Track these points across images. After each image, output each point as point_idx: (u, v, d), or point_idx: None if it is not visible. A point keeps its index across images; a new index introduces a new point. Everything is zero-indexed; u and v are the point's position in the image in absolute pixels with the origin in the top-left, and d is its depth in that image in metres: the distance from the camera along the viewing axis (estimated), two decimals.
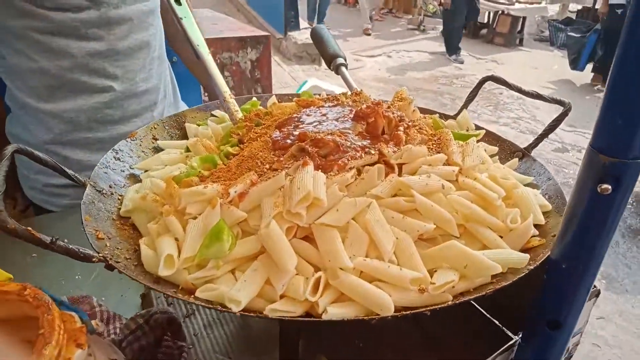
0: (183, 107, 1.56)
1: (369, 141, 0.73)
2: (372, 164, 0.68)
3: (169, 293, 0.53)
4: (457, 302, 0.52)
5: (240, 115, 0.93)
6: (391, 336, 0.78)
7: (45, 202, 1.34)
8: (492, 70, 6.89)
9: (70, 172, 0.72)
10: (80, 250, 0.56)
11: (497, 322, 0.70)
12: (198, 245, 0.60)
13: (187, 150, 0.87)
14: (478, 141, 0.84)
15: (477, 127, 0.96)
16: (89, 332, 0.54)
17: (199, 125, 0.98)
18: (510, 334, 0.73)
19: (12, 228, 0.52)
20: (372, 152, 0.68)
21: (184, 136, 0.98)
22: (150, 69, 1.29)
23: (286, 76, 6.26)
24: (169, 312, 0.82)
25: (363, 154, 0.68)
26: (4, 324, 0.61)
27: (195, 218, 0.65)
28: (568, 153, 4.65)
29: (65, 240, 0.56)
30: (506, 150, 0.92)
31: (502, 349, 0.65)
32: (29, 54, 1.14)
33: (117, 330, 0.90)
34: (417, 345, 0.77)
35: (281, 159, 0.71)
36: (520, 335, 0.66)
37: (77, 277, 1.07)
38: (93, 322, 0.55)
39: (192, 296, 0.55)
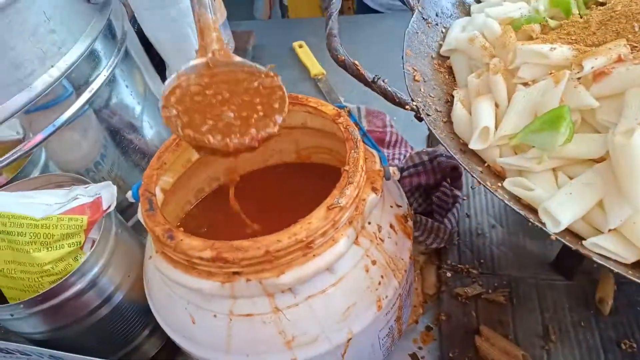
0: None
1: None
2: None
3: (474, 175, 0.47)
4: None
5: None
6: None
7: (372, 1, 1.36)
8: None
9: None
10: (397, 94, 0.53)
11: None
12: (522, 124, 0.49)
13: None
14: None
15: None
16: (385, 178, 0.54)
17: None
18: None
19: (341, 60, 0.51)
20: None
21: None
22: None
23: None
24: (454, 158, 0.79)
25: None
26: (316, 132, 0.67)
27: (526, 84, 0.54)
28: None
29: (386, 80, 0.53)
30: None
31: None
32: None
33: (402, 157, 0.93)
34: None
35: None
36: None
37: None
38: (391, 168, 0.54)
39: (499, 186, 0.48)
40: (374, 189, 0.53)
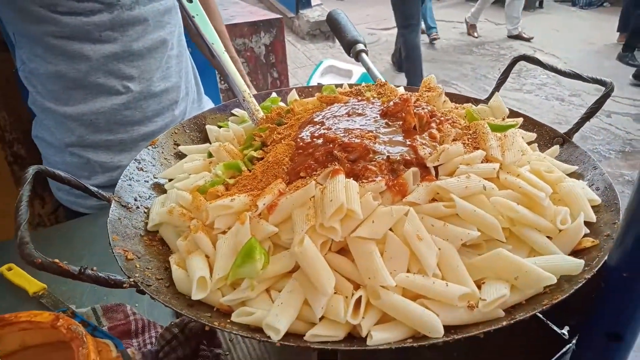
0: (207, 102, 1.53)
1: (401, 137, 0.69)
2: (407, 165, 0.64)
3: (203, 321, 0.51)
4: (512, 321, 0.48)
5: (261, 114, 0.90)
6: None
7: (72, 203, 1.35)
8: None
9: (93, 188, 0.70)
10: (110, 277, 0.55)
11: (552, 325, 0.67)
12: (229, 264, 0.57)
13: (210, 155, 0.84)
14: None
15: (512, 112, 0.91)
16: None
17: (220, 126, 0.95)
18: (557, 332, 0.69)
19: (39, 262, 0.50)
20: (407, 156, 0.64)
21: (206, 139, 0.95)
22: (168, 68, 1.28)
23: (301, 56, 6.16)
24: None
25: (398, 157, 0.64)
26: (39, 348, 0.61)
27: (224, 232, 0.63)
28: (595, 118, 4.47)
29: (94, 269, 0.54)
30: (545, 137, 0.86)
31: (557, 355, 0.61)
32: (47, 57, 1.14)
33: (153, 340, 0.89)
34: (462, 348, 0.74)
35: (310, 161, 0.68)
36: (575, 341, 0.62)
37: None
38: (129, 350, 0.53)
39: (228, 322, 0.53)
40: None
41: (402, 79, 5.37)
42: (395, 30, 5.62)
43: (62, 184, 0.67)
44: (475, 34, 6.51)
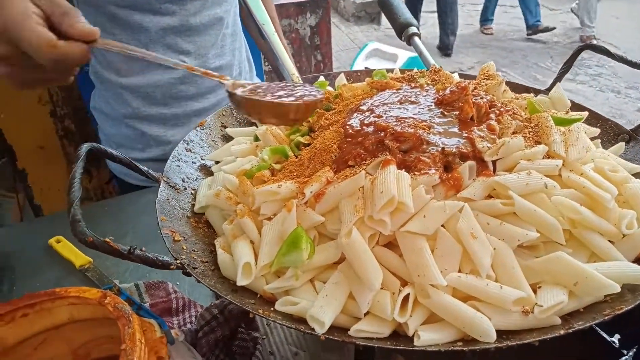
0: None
1: (457, 128, 0.65)
2: (462, 158, 0.61)
3: (247, 308, 0.51)
4: (569, 330, 0.45)
5: None
6: None
7: (126, 175, 1.39)
8: (567, 23, 6.32)
9: (143, 168, 0.71)
10: (158, 258, 0.55)
11: (600, 332, 0.63)
12: (275, 252, 0.57)
13: (257, 138, 0.84)
14: None
15: (573, 104, 0.85)
16: (169, 343, 0.53)
17: None
18: (607, 339, 0.65)
19: (91, 241, 0.51)
20: (463, 149, 0.61)
21: (253, 121, 0.94)
22: (223, 46, 1.29)
23: (344, 38, 6.08)
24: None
25: (454, 149, 0.61)
26: (86, 323, 0.63)
27: (269, 218, 0.62)
28: None
29: (143, 249, 0.55)
30: (608, 132, 0.80)
31: None
32: (109, 27, 1.17)
33: (193, 319, 0.91)
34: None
35: (359, 150, 0.66)
36: (633, 353, 0.58)
37: None
38: (173, 331, 0.54)
39: (272, 310, 0.52)
40: (160, 358, 0.51)
41: (449, 64, 5.23)
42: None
43: (113, 162, 0.68)
44: (591, 38, 5.52)
